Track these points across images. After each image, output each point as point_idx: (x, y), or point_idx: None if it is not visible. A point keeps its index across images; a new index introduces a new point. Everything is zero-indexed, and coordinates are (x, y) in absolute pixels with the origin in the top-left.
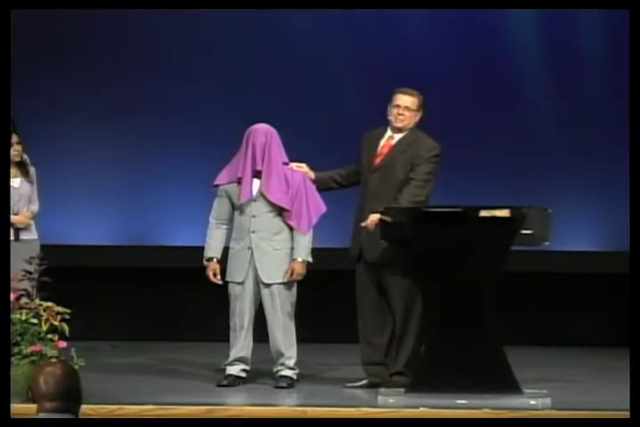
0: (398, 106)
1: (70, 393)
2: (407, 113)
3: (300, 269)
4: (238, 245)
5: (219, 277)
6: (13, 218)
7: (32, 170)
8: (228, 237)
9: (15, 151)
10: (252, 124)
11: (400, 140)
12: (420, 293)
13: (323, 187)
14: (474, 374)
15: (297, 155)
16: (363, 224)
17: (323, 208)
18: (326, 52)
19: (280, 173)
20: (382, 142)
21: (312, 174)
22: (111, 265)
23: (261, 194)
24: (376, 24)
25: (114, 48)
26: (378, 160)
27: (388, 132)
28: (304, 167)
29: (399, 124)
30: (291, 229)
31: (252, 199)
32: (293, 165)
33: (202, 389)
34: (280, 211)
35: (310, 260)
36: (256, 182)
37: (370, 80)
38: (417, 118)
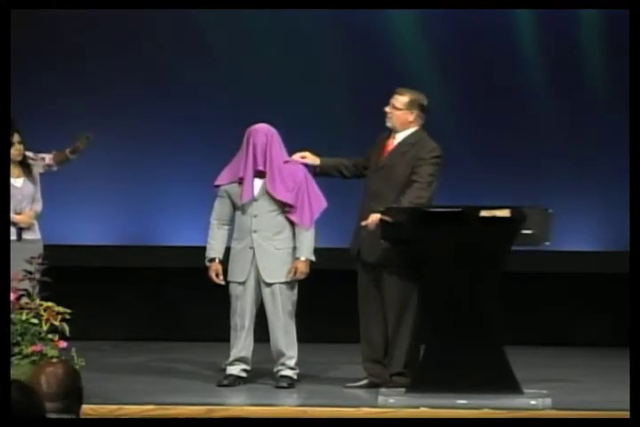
0: (388, 104)
1: (72, 393)
2: (395, 112)
3: (303, 268)
4: (239, 244)
5: (221, 277)
6: (16, 217)
7: (36, 170)
8: (230, 238)
9: (16, 151)
10: (253, 124)
11: (402, 141)
12: (418, 293)
13: (325, 172)
14: (474, 374)
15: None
16: (363, 223)
17: (324, 204)
18: (328, 53)
19: (283, 172)
20: (387, 142)
21: (317, 160)
22: (111, 265)
23: (267, 193)
24: (376, 24)
25: (114, 49)
26: (381, 160)
27: (393, 133)
28: (307, 156)
29: (387, 124)
30: (292, 227)
31: (253, 199)
32: (297, 155)
33: (202, 389)
34: (282, 210)
35: (313, 258)
36: (257, 182)
37: (369, 81)
38: (409, 118)
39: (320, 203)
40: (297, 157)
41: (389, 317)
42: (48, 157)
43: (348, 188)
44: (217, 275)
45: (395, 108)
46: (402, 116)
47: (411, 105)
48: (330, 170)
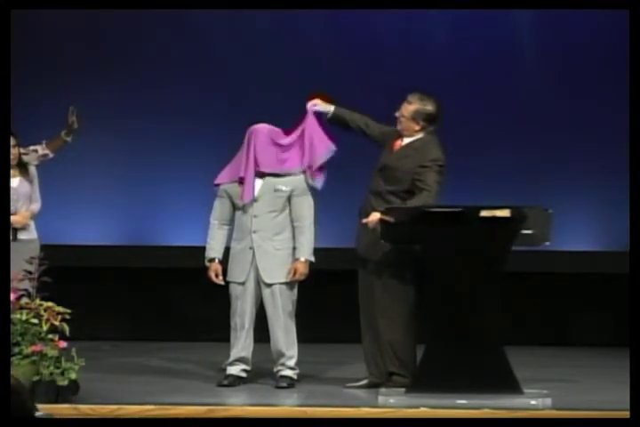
0: (398, 109)
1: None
2: (402, 119)
3: (302, 269)
4: (239, 245)
5: (221, 277)
6: (11, 218)
7: (32, 169)
8: (229, 238)
9: (11, 155)
10: (253, 123)
11: (407, 145)
12: (417, 293)
13: (338, 121)
14: (474, 374)
15: None
16: (364, 221)
17: (331, 147)
18: (328, 53)
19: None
20: (396, 142)
21: (331, 107)
22: (111, 265)
23: (268, 192)
24: (378, 25)
25: (114, 49)
26: (385, 159)
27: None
28: (319, 103)
29: (397, 127)
30: (292, 227)
31: (253, 200)
32: (309, 104)
33: (202, 389)
34: (281, 211)
35: (313, 259)
36: (258, 182)
37: (371, 81)
38: (415, 127)
39: (325, 145)
40: (309, 105)
41: (383, 315)
42: (40, 148)
43: (348, 188)
44: (216, 275)
45: (402, 115)
46: (408, 125)
47: (416, 115)
48: (343, 121)
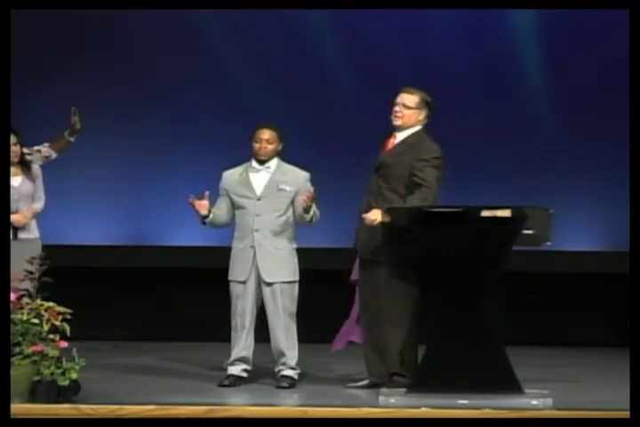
0: (396, 103)
1: None
2: (404, 111)
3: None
4: (241, 244)
5: (205, 203)
6: (11, 217)
7: (35, 167)
8: (231, 237)
9: (12, 153)
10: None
11: (402, 141)
12: (418, 293)
13: None
14: (474, 374)
15: (297, 156)
16: (364, 216)
17: None
18: (330, 53)
19: None
20: (388, 141)
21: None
22: (111, 265)
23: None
24: (377, 25)
25: (114, 48)
26: (380, 159)
27: (395, 132)
28: None
29: (395, 122)
30: (294, 227)
31: (256, 198)
32: None
33: (203, 389)
34: (285, 211)
35: (308, 217)
36: (262, 180)
37: (370, 81)
38: (419, 117)
39: None
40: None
41: (387, 316)
42: (44, 149)
43: (348, 188)
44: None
45: (405, 106)
46: (412, 116)
47: (421, 104)
48: None
